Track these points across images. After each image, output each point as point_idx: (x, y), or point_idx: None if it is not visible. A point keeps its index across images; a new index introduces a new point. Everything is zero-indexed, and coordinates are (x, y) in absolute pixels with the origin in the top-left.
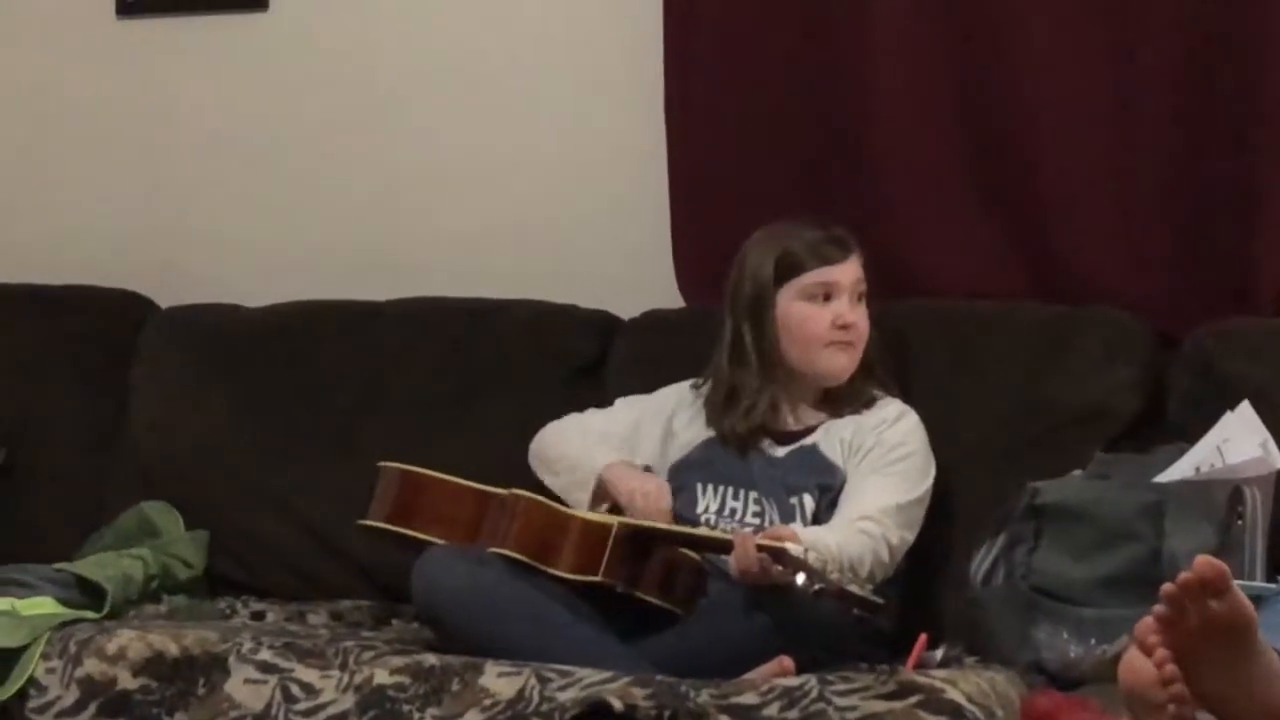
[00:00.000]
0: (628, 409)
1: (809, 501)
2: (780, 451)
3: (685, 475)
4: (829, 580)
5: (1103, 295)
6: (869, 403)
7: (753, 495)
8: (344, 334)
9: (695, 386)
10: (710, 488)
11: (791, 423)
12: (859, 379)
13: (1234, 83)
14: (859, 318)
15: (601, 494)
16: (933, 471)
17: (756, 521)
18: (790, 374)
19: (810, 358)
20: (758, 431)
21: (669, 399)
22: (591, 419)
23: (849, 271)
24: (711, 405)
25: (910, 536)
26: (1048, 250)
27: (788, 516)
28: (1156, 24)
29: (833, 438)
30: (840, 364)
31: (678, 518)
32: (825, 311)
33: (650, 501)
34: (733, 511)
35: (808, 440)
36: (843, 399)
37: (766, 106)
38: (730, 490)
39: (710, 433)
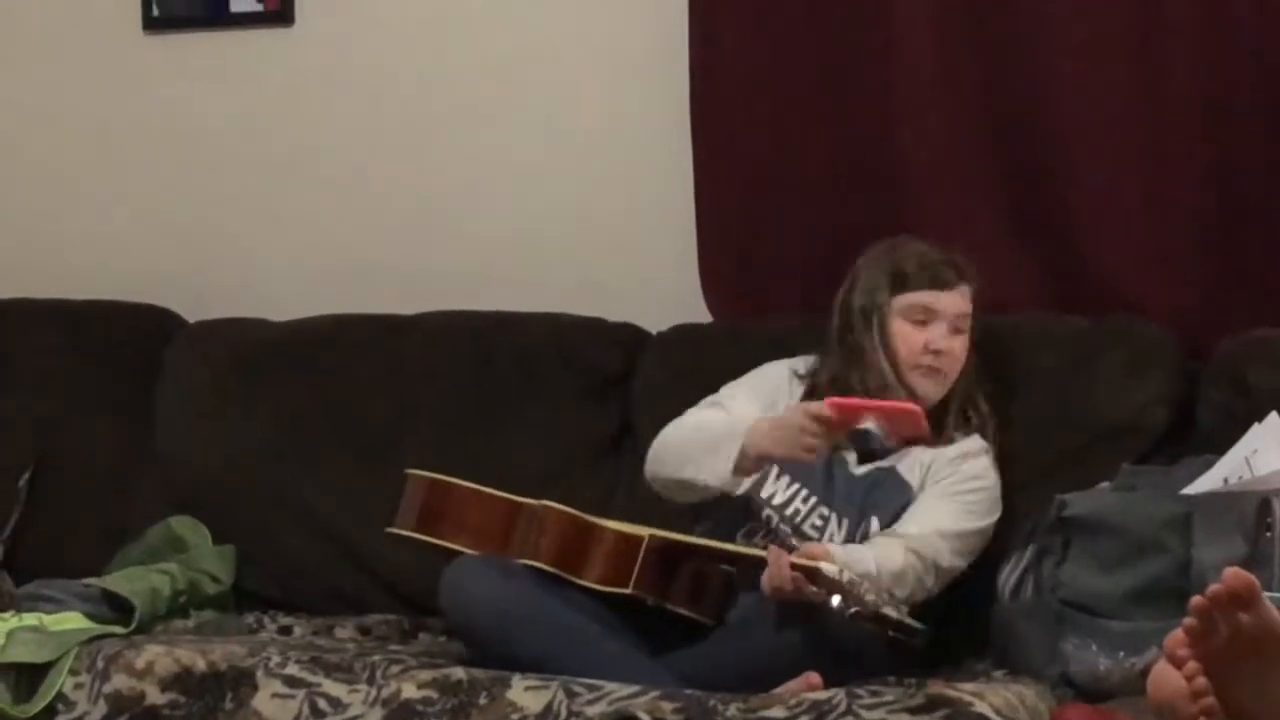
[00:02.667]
0: (743, 394)
1: (876, 524)
2: (860, 470)
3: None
4: (865, 602)
5: (1131, 308)
6: (951, 439)
7: (821, 510)
8: (371, 347)
9: (796, 373)
10: (785, 480)
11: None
12: (947, 412)
13: (1262, 96)
14: (954, 347)
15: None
16: (999, 511)
17: (814, 535)
18: (882, 388)
19: (899, 376)
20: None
21: (771, 382)
22: (712, 410)
23: (954, 301)
24: (814, 387)
25: (962, 564)
26: (1076, 264)
27: (854, 535)
28: (1186, 40)
29: (912, 461)
30: (925, 388)
31: (743, 499)
32: (920, 334)
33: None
34: (795, 513)
35: (886, 463)
36: (935, 423)
37: (794, 122)
38: (803, 493)
39: None
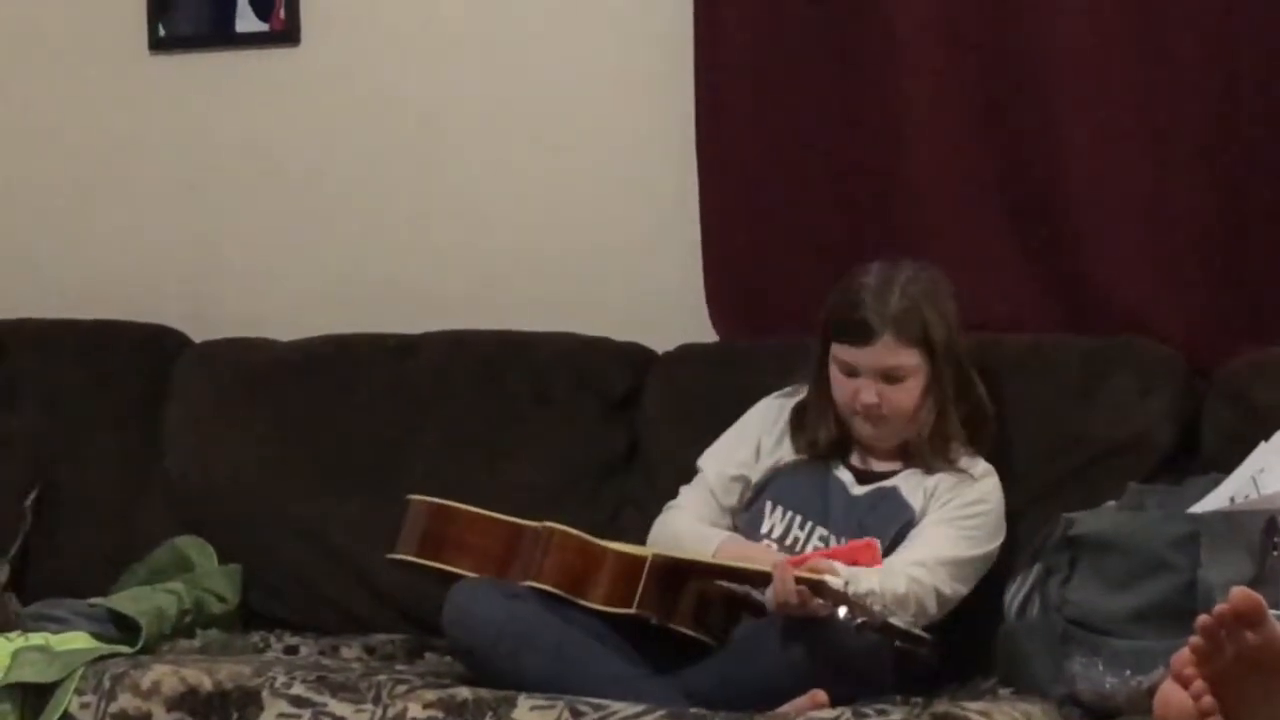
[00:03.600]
0: (712, 466)
1: (877, 546)
2: (859, 490)
3: (760, 494)
4: (872, 613)
5: (1137, 328)
6: (952, 462)
7: (820, 531)
8: (377, 367)
9: (783, 397)
10: (780, 510)
11: (873, 463)
12: (934, 446)
13: (1267, 115)
14: (890, 397)
15: None
16: (1002, 535)
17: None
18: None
19: (845, 416)
20: (830, 453)
21: (752, 426)
22: (687, 501)
23: (874, 356)
24: (792, 417)
25: (964, 590)
26: (1082, 284)
27: None
28: (1189, 58)
29: (915, 482)
30: (867, 433)
31: (740, 534)
32: (851, 385)
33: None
34: (795, 541)
35: (888, 483)
36: (916, 456)
37: (798, 142)
38: (799, 520)
39: (795, 455)
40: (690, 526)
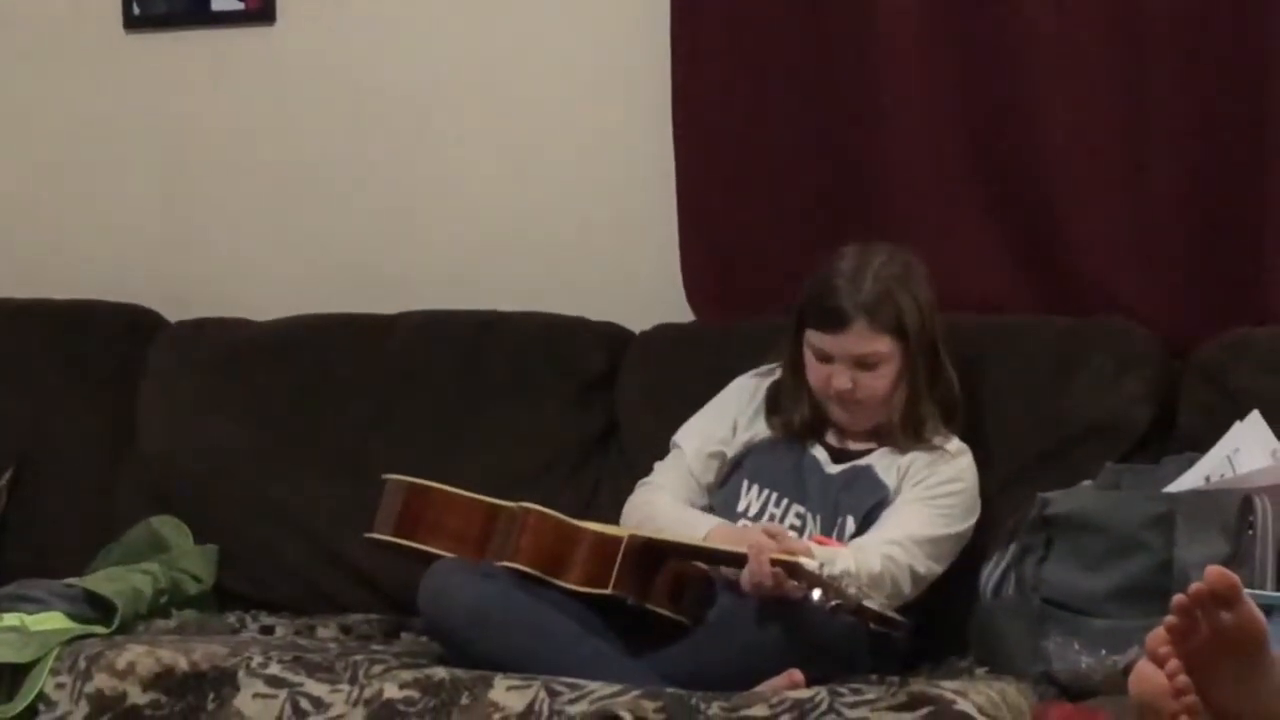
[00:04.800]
0: (691, 442)
1: (851, 524)
2: (834, 469)
3: (736, 471)
4: (846, 595)
5: (1113, 308)
6: (926, 441)
7: (796, 508)
8: (353, 348)
9: (759, 375)
10: (755, 488)
11: (848, 443)
12: (906, 427)
13: (1243, 95)
14: (864, 383)
15: None
16: (977, 513)
17: (792, 535)
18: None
19: (820, 400)
20: (805, 433)
21: (729, 404)
22: (665, 479)
23: (847, 343)
24: (768, 398)
25: (939, 569)
26: (1058, 264)
27: (829, 534)
28: (1168, 41)
29: (889, 461)
30: (840, 416)
31: (716, 512)
32: (824, 370)
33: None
34: (771, 518)
35: (862, 461)
36: (888, 436)
37: (775, 123)
38: (774, 496)
39: (770, 432)
40: (674, 510)
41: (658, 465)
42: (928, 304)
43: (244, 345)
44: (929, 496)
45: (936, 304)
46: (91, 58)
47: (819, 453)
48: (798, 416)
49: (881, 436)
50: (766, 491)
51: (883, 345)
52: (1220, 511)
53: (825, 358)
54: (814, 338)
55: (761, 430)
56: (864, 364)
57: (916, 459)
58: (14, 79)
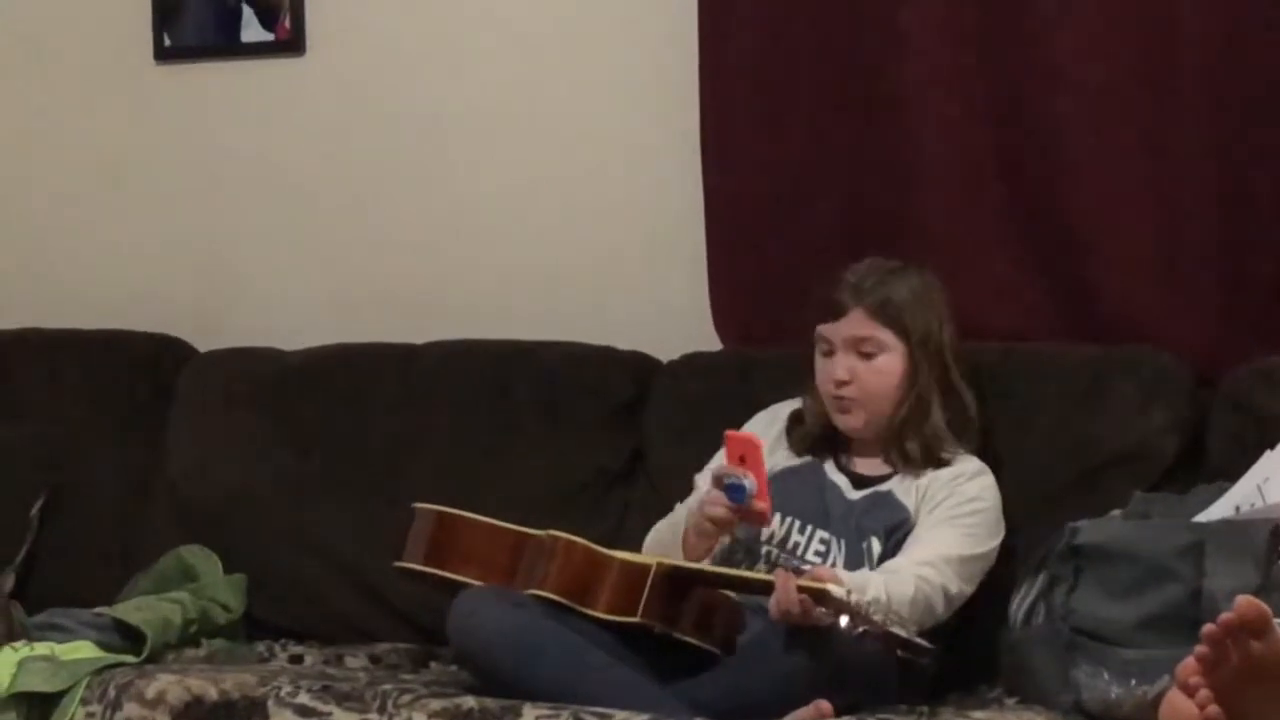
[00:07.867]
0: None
1: (876, 545)
2: (855, 495)
3: None
4: (873, 622)
5: (1141, 336)
6: (943, 461)
7: (820, 534)
8: (382, 376)
9: (779, 407)
10: (778, 516)
11: (866, 468)
12: (917, 445)
13: (1272, 123)
14: (859, 372)
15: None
16: (1002, 533)
17: (817, 560)
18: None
19: (827, 407)
20: (820, 448)
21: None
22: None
23: (844, 327)
24: (791, 416)
25: (969, 590)
26: (1086, 292)
27: (855, 559)
28: (1195, 63)
29: (908, 484)
30: (840, 422)
31: (742, 541)
32: (827, 365)
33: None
34: (795, 546)
35: (882, 486)
36: (901, 457)
37: (804, 149)
38: (798, 524)
39: (793, 460)
40: (665, 528)
41: (678, 506)
42: (938, 315)
43: (273, 374)
44: (954, 517)
45: (951, 319)
46: (123, 89)
47: (839, 479)
48: (811, 425)
49: (894, 458)
50: (789, 519)
51: (880, 334)
52: (1250, 541)
53: (828, 350)
54: (819, 330)
55: (781, 460)
56: (862, 352)
57: (934, 480)
58: (46, 110)
